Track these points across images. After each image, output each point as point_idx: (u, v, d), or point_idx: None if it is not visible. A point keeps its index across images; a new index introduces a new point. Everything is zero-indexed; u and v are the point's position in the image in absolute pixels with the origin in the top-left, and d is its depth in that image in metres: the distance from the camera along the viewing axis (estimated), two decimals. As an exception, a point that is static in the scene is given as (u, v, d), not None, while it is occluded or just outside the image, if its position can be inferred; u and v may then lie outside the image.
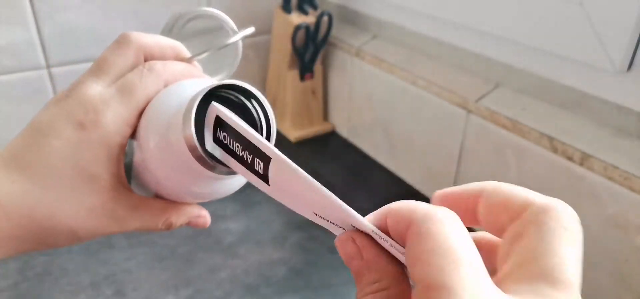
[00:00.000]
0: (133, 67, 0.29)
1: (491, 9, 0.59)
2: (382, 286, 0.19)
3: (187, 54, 0.32)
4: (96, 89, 0.27)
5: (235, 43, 0.35)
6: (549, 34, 0.54)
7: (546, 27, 0.54)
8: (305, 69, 0.85)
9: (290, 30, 0.81)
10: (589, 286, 0.53)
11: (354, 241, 0.20)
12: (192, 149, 0.24)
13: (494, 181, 0.20)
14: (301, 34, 0.81)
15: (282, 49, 0.85)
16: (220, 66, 0.36)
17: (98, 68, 0.28)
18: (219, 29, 0.33)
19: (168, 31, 0.34)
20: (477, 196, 0.20)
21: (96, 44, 0.74)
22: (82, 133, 0.27)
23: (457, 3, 0.64)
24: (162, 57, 0.30)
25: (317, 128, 0.89)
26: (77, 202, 0.27)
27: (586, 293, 0.54)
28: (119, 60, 0.28)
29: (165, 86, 0.29)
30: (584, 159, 0.50)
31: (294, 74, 0.85)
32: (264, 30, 0.89)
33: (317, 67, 0.87)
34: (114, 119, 0.27)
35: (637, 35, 0.47)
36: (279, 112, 0.90)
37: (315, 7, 0.84)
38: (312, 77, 0.86)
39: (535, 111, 0.57)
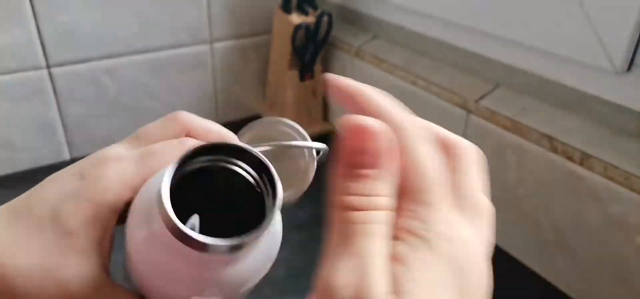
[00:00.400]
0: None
1: (491, 9, 0.59)
2: (391, 203, 0.18)
3: (235, 141, 0.27)
4: (117, 149, 0.25)
5: (307, 161, 0.28)
6: (549, 34, 0.54)
7: (546, 27, 0.54)
8: (305, 69, 0.85)
9: (290, 30, 0.81)
10: (589, 286, 0.53)
11: (391, 141, 0.18)
12: (169, 225, 0.19)
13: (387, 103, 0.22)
14: (301, 34, 0.81)
15: (282, 49, 0.85)
16: (289, 184, 0.28)
17: (136, 135, 0.26)
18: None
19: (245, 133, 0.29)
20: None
21: (96, 44, 0.74)
22: (78, 183, 0.24)
23: (457, 3, 0.64)
24: (206, 140, 0.26)
25: (317, 128, 0.89)
26: (37, 251, 0.23)
27: (586, 292, 0.54)
28: (158, 131, 0.26)
29: None
30: (584, 159, 0.50)
31: (294, 74, 0.85)
32: (264, 30, 0.89)
33: (317, 67, 0.87)
34: (116, 175, 0.24)
35: (637, 36, 0.47)
36: (279, 112, 0.90)
37: (315, 7, 0.84)
38: (312, 77, 0.86)
39: (535, 111, 0.57)
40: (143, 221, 0.22)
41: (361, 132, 0.18)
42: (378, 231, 0.17)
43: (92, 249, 0.24)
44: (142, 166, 0.25)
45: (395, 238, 0.18)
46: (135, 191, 0.24)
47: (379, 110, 0.21)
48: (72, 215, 0.23)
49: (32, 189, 0.25)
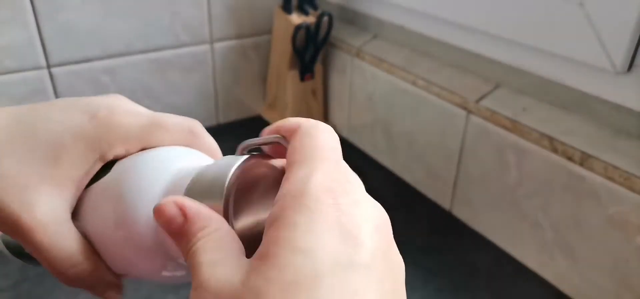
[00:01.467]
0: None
1: (491, 9, 0.59)
2: (211, 229, 0.20)
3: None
4: (131, 104, 0.26)
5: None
6: (549, 34, 0.54)
7: (546, 27, 0.54)
8: (305, 69, 0.85)
9: (291, 31, 0.81)
10: (589, 286, 0.53)
11: (175, 203, 0.20)
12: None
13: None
14: (301, 34, 0.81)
15: (282, 49, 0.85)
16: None
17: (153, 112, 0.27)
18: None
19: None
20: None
21: (96, 44, 0.74)
22: (85, 123, 0.25)
23: (457, 3, 0.64)
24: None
25: (317, 128, 0.89)
26: (17, 164, 0.23)
27: (586, 292, 0.54)
28: (173, 121, 0.27)
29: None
30: (584, 159, 0.50)
31: (294, 74, 0.85)
32: (264, 30, 0.89)
33: (317, 67, 0.87)
34: (120, 130, 0.25)
35: (637, 36, 0.47)
36: (279, 112, 0.90)
37: (315, 7, 0.84)
38: (312, 77, 0.86)
39: (535, 111, 0.57)
40: (121, 196, 0.23)
41: (157, 214, 0.21)
42: (207, 248, 0.19)
43: (69, 186, 0.24)
44: (147, 134, 0.25)
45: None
46: (129, 152, 0.25)
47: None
48: (66, 149, 0.24)
49: (41, 104, 0.26)
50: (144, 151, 0.25)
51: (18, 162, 0.23)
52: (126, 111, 0.26)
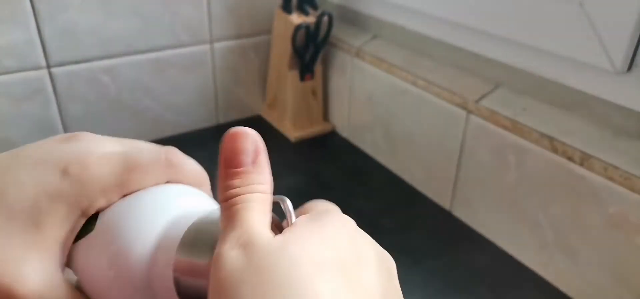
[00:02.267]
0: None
1: (491, 9, 0.59)
2: (266, 189, 0.21)
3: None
4: (103, 144, 0.25)
5: None
6: (549, 34, 0.54)
7: (546, 27, 0.54)
8: (305, 69, 0.85)
9: (291, 31, 0.81)
10: (589, 286, 0.53)
11: (256, 140, 0.21)
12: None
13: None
14: (301, 34, 0.81)
15: (282, 49, 0.85)
16: None
17: (128, 140, 0.26)
18: None
19: None
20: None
21: (96, 43, 0.74)
22: (59, 181, 0.23)
23: (457, 3, 0.64)
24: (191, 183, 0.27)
25: (317, 128, 0.89)
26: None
27: (586, 292, 0.54)
28: (148, 152, 0.26)
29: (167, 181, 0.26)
30: (584, 159, 0.50)
31: (294, 74, 0.85)
32: (264, 30, 0.89)
33: (317, 67, 0.87)
34: (96, 181, 0.24)
35: (637, 36, 0.47)
36: (279, 112, 0.90)
37: (315, 7, 0.84)
38: (312, 77, 0.86)
39: (535, 111, 0.57)
40: (116, 237, 0.23)
41: (234, 136, 0.21)
42: (255, 207, 0.20)
43: (55, 248, 0.23)
44: (125, 182, 0.24)
45: None
46: (110, 202, 0.24)
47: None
48: (45, 212, 0.23)
49: (10, 159, 0.24)
50: (127, 198, 0.25)
51: (1, 239, 0.22)
52: (98, 158, 0.24)
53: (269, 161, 0.21)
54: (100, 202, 0.24)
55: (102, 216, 0.25)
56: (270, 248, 0.18)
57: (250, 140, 0.21)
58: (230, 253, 0.18)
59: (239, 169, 0.20)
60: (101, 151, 0.25)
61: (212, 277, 0.18)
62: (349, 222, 0.21)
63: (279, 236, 0.19)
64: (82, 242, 0.24)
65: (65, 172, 0.24)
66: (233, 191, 0.20)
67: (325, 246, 0.19)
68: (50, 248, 0.23)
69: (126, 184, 0.25)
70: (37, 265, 0.23)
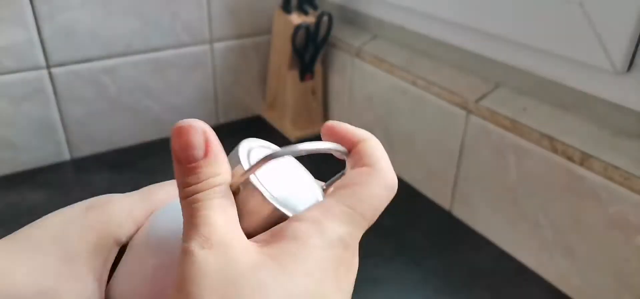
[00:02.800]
0: None
1: (491, 9, 0.59)
2: (223, 179, 0.20)
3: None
4: (119, 194, 0.26)
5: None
6: (549, 34, 0.54)
7: (546, 27, 0.54)
8: (305, 69, 0.85)
9: (291, 31, 0.81)
10: (589, 286, 0.53)
11: (204, 131, 0.20)
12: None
13: (373, 138, 0.26)
14: (301, 34, 0.81)
15: (282, 49, 0.85)
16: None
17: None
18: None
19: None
20: (359, 141, 0.26)
21: (96, 44, 0.74)
22: (84, 213, 0.24)
23: (457, 3, 0.64)
24: None
25: (317, 128, 0.89)
26: (34, 273, 0.22)
27: (586, 292, 0.54)
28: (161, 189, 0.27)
29: None
30: (584, 159, 0.50)
31: (294, 74, 0.85)
32: (264, 30, 0.89)
33: (317, 67, 0.87)
34: (122, 208, 0.24)
35: (637, 36, 0.47)
36: (279, 112, 0.90)
37: (315, 7, 0.84)
38: (312, 77, 0.86)
39: (535, 111, 0.57)
40: (154, 250, 0.23)
41: (181, 130, 0.20)
42: (216, 203, 0.19)
43: (90, 278, 0.23)
44: (146, 202, 0.25)
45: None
46: (138, 224, 0.25)
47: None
48: (75, 240, 0.23)
49: (34, 222, 0.24)
50: (153, 214, 0.25)
51: (35, 273, 0.22)
52: (116, 196, 0.25)
53: (222, 147, 0.20)
54: (130, 226, 0.24)
55: (133, 239, 0.24)
56: (243, 263, 0.18)
57: (199, 132, 0.20)
58: (200, 252, 0.18)
59: (191, 165, 0.20)
60: (117, 194, 0.26)
61: (181, 270, 0.18)
62: (338, 264, 0.21)
63: (257, 252, 0.19)
64: (119, 269, 0.24)
65: (89, 208, 0.24)
66: (190, 189, 0.19)
67: (298, 285, 0.18)
68: (86, 277, 0.23)
69: (149, 202, 0.25)
70: (72, 296, 0.22)
